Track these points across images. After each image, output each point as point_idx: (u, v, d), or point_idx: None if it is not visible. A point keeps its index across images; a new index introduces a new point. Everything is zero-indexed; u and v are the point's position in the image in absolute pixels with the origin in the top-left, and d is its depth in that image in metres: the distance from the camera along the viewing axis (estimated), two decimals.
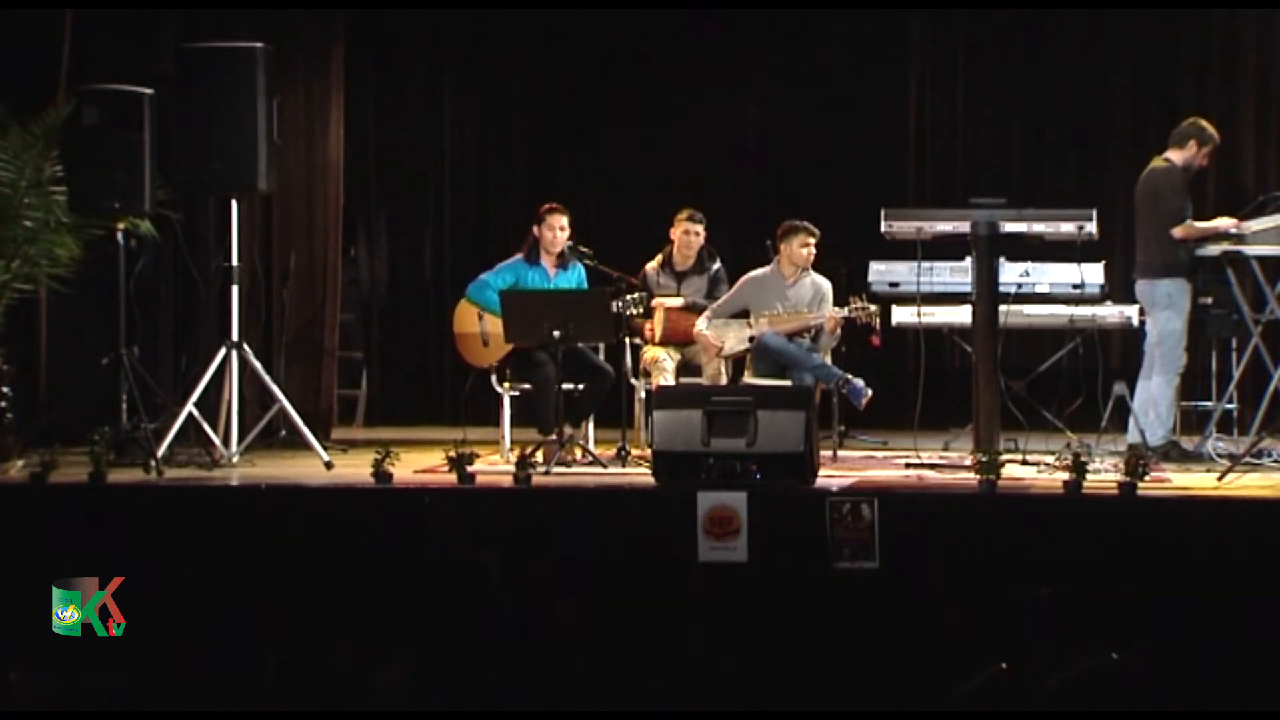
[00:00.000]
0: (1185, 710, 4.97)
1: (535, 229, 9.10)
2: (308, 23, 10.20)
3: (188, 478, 8.32)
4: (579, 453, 8.54)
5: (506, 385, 9.02)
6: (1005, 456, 7.71)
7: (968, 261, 8.80)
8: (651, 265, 9.46)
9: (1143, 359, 8.97)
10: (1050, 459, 8.15)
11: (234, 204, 8.99)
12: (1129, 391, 8.84)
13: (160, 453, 8.37)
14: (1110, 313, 9.39)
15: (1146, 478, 7.42)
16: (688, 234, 9.34)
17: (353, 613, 6.74)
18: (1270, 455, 8.27)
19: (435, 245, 11.55)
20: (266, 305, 10.12)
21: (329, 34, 10.32)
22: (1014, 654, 4.92)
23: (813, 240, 9.15)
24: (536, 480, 7.82)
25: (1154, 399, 8.77)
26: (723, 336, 9.06)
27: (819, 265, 9.31)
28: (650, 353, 9.17)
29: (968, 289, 8.76)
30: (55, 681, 4.89)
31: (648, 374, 9.08)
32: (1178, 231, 8.75)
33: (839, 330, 9.03)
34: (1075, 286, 9.25)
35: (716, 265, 9.46)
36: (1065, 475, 7.40)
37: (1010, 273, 9.08)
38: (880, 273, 9.46)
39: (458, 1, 10.89)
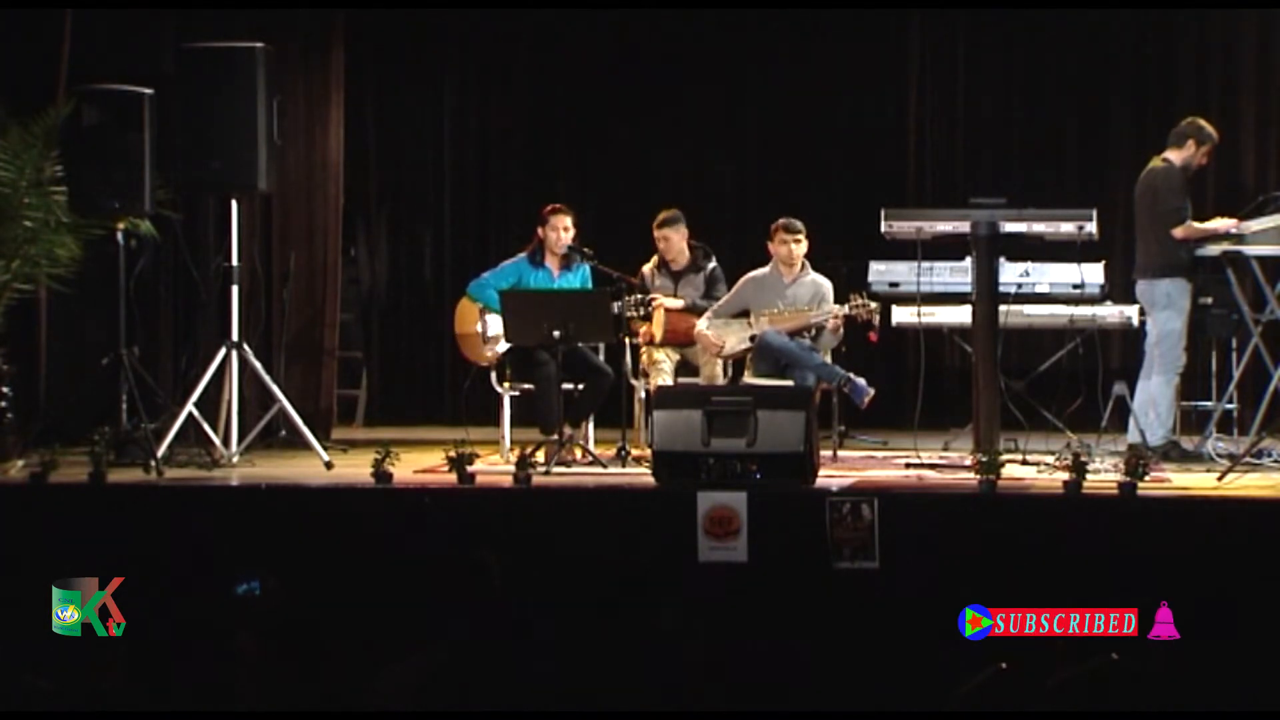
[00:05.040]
0: (1185, 710, 4.96)
1: (540, 230, 9.10)
2: (308, 23, 10.20)
3: (188, 478, 8.33)
4: (579, 453, 8.54)
5: (506, 385, 9.02)
6: (1005, 456, 7.71)
7: (968, 261, 8.81)
8: (648, 266, 9.47)
9: (1143, 359, 8.98)
10: (1050, 459, 8.15)
11: (234, 204, 9.00)
12: (1129, 391, 8.86)
13: (160, 453, 8.37)
14: (1110, 313, 9.40)
15: (1146, 478, 7.42)
16: (668, 239, 9.36)
17: (353, 613, 6.74)
18: (1270, 455, 8.27)
19: (435, 245, 11.56)
20: (266, 305, 10.12)
21: (329, 34, 10.32)
22: (1014, 654, 4.92)
23: (791, 237, 9.12)
24: (536, 480, 7.82)
25: (1154, 399, 8.78)
26: (723, 336, 9.06)
27: (819, 265, 9.31)
28: (649, 353, 9.17)
29: (968, 289, 8.76)
30: (55, 681, 4.89)
31: (647, 374, 9.08)
32: (1178, 232, 8.76)
33: (841, 329, 9.03)
34: (1075, 286, 9.26)
35: (712, 264, 9.47)
36: (1065, 475, 7.40)
37: (1010, 273, 9.09)
38: (880, 273, 9.47)
39: (458, 1, 10.89)
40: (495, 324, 8.91)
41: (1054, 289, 9.37)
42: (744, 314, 9.13)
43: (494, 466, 8.36)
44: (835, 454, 8.95)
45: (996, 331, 8.44)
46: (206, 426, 8.77)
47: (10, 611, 6.48)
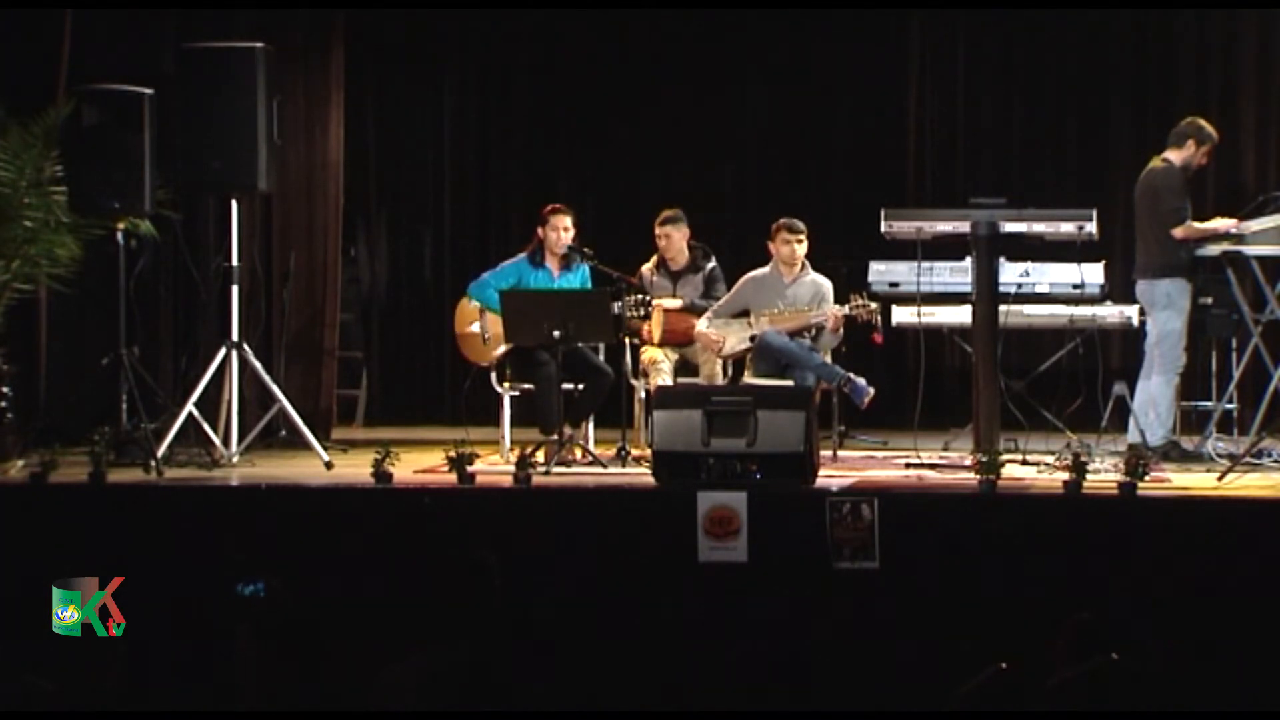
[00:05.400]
0: (1185, 710, 4.97)
1: (540, 230, 9.10)
2: (308, 23, 10.20)
3: (188, 478, 8.32)
4: (579, 453, 8.54)
5: (506, 385, 9.02)
6: (1005, 456, 7.71)
7: (968, 261, 8.81)
8: (647, 266, 9.47)
9: (1143, 359, 8.98)
10: (1050, 459, 8.15)
11: (234, 204, 9.00)
12: (1129, 391, 8.85)
13: (160, 453, 8.36)
14: (1110, 313, 9.40)
15: (1146, 478, 7.42)
16: (669, 238, 9.36)
17: (352, 613, 6.75)
18: (1270, 455, 8.27)
19: (435, 245, 11.55)
20: (266, 305, 10.12)
21: (329, 34, 10.32)
22: (1014, 654, 4.93)
23: (794, 237, 9.11)
24: (536, 480, 7.82)
25: (1154, 399, 8.77)
26: (723, 336, 9.06)
27: (819, 265, 9.31)
28: (648, 353, 9.18)
29: (968, 289, 8.76)
30: (55, 681, 4.89)
31: (647, 374, 9.08)
32: (1178, 232, 8.75)
33: (841, 329, 9.03)
34: (1075, 286, 9.26)
35: (712, 264, 9.47)
36: (1065, 475, 7.40)
37: (1010, 273, 9.08)
38: (880, 273, 9.47)
39: (458, 1, 10.89)
40: (492, 323, 8.92)
41: (1054, 289, 9.37)
42: (744, 314, 9.13)
43: (494, 466, 8.35)
44: (835, 454, 8.94)
45: (996, 331, 8.44)
46: (206, 426, 8.77)
47: (10, 611, 6.49)
